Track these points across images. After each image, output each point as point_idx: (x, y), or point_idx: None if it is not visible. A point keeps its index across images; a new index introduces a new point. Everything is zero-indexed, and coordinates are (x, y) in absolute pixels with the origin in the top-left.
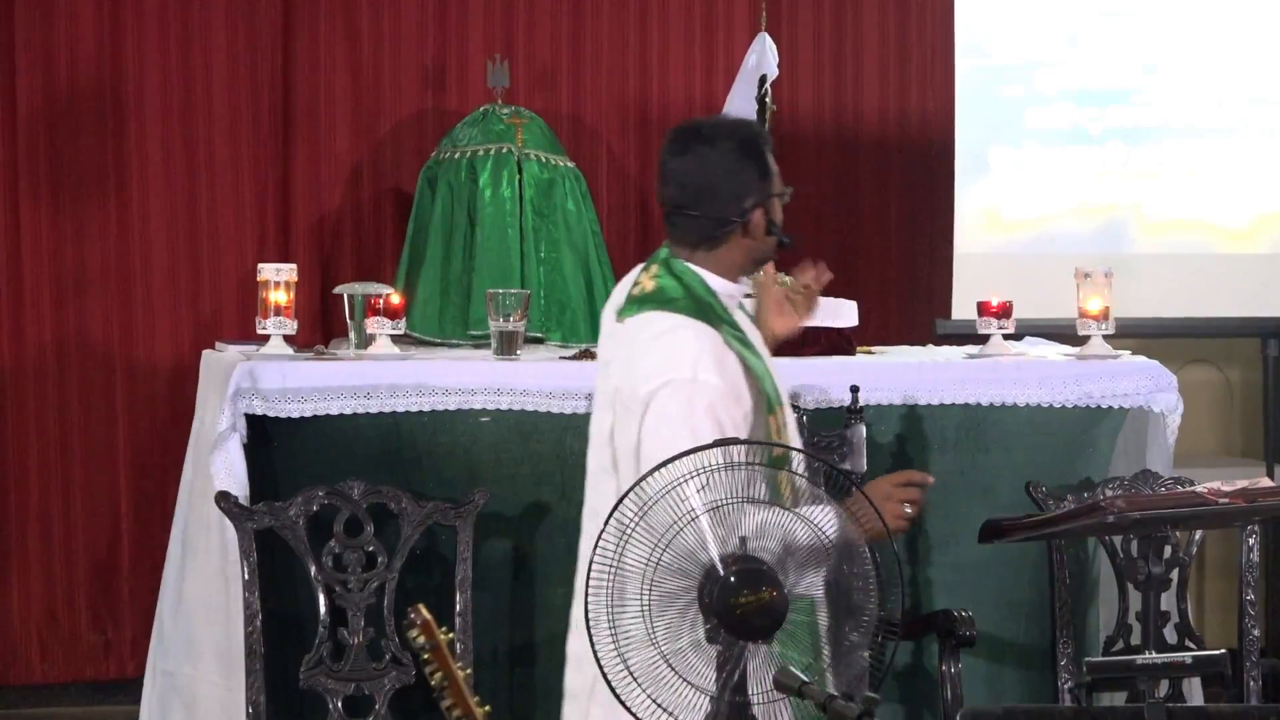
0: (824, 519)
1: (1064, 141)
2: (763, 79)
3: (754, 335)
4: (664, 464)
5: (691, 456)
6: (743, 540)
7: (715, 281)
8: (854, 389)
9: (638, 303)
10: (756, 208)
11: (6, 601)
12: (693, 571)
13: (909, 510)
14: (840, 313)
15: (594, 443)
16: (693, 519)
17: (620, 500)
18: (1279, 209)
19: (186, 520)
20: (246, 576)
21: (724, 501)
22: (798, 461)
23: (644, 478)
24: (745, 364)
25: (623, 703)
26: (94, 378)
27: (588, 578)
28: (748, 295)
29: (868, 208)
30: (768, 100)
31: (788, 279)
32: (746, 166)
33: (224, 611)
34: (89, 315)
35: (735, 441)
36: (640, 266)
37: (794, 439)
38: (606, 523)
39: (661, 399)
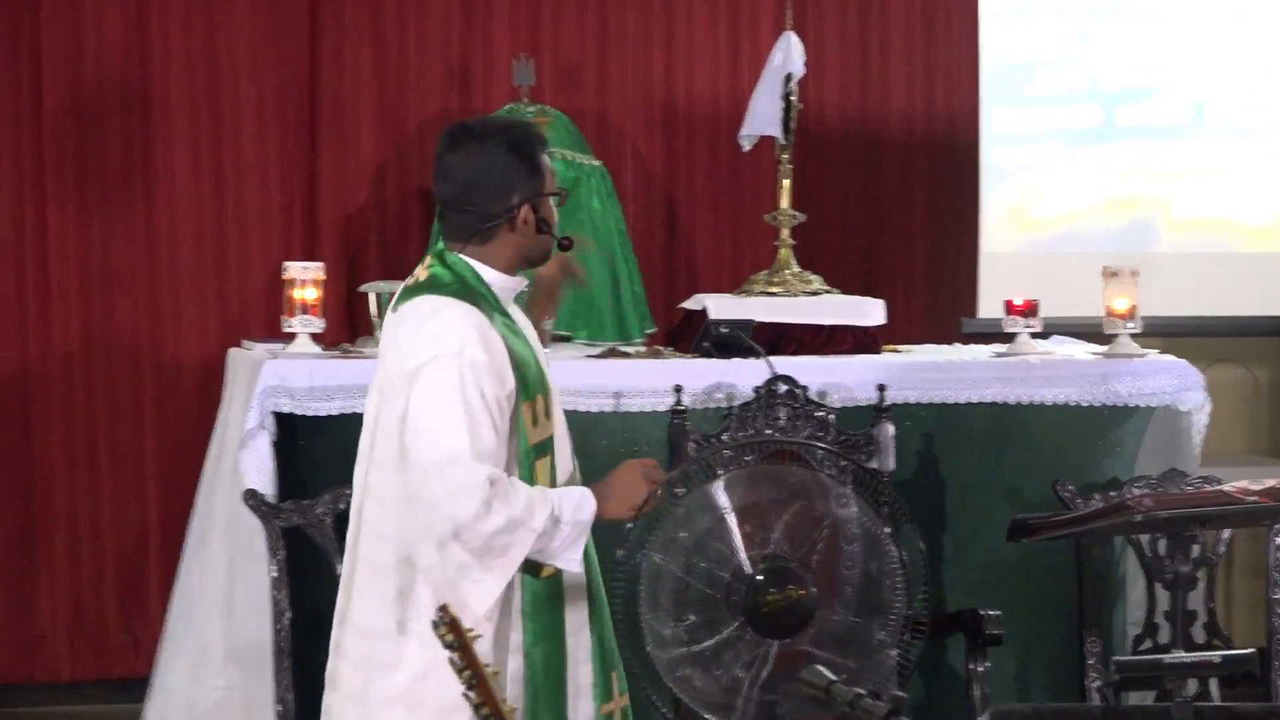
0: (580, 498)
1: (1090, 140)
2: (788, 77)
3: (525, 326)
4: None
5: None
6: (768, 540)
7: (488, 273)
8: (880, 388)
9: (410, 290)
10: (523, 204)
11: (34, 599)
12: (719, 570)
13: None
14: (866, 311)
15: (365, 432)
16: (720, 517)
17: (651, 494)
18: None
19: (201, 517)
20: (275, 574)
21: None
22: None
23: (669, 477)
24: (511, 349)
25: (653, 702)
26: (121, 376)
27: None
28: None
29: (893, 206)
30: (793, 99)
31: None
32: (514, 164)
33: (226, 611)
34: (116, 313)
35: (783, 442)
36: None
37: (559, 429)
38: (636, 518)
39: (429, 372)
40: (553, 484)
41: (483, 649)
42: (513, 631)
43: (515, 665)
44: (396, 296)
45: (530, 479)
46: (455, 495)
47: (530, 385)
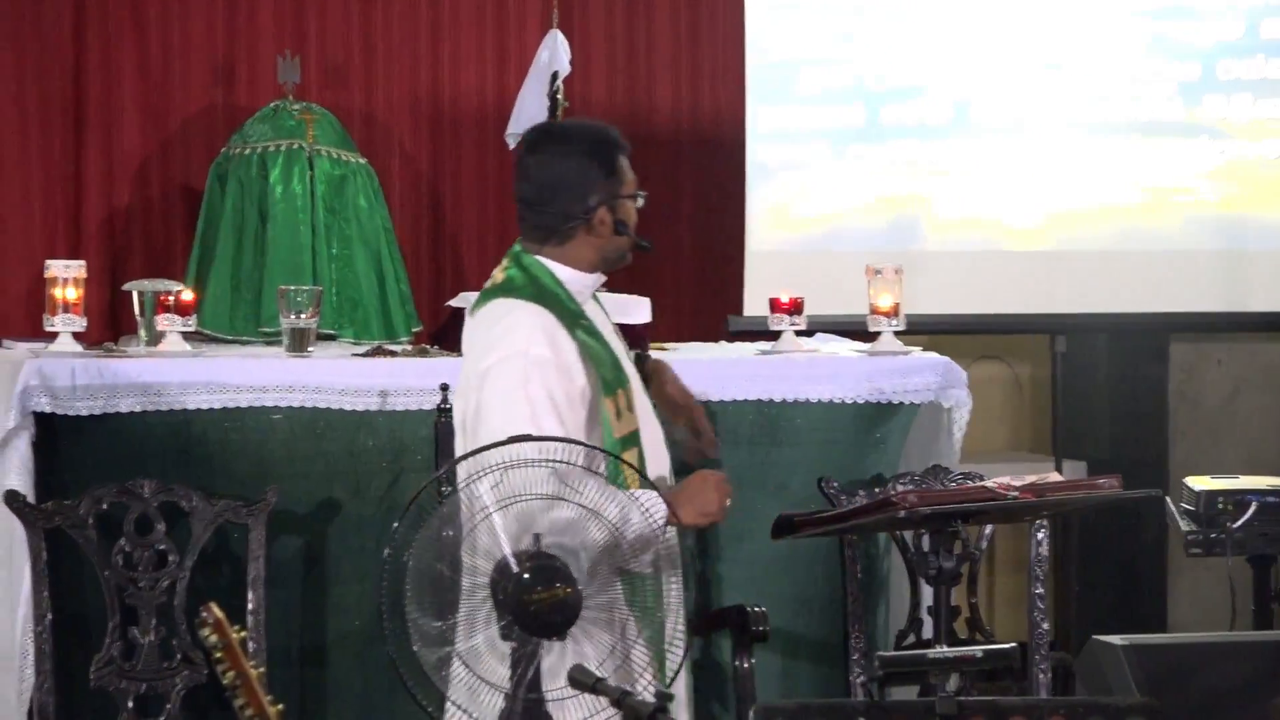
0: (651, 503)
1: (855, 139)
2: (554, 75)
3: (601, 324)
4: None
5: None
6: (537, 537)
7: (564, 273)
8: None
9: (486, 294)
10: (600, 206)
11: None
12: (486, 568)
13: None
14: (633, 309)
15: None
16: (486, 515)
17: (419, 492)
18: (1068, 207)
19: None
20: (35, 576)
21: (518, 498)
22: (598, 461)
23: (442, 471)
24: (584, 346)
25: (418, 702)
26: None
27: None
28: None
29: (659, 204)
30: (560, 97)
31: None
32: (592, 166)
33: None
34: None
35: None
36: None
37: (646, 422)
38: (403, 516)
39: (495, 373)
40: (642, 475)
41: None
42: None
43: None
44: (476, 299)
45: (617, 471)
46: None
47: (609, 381)
